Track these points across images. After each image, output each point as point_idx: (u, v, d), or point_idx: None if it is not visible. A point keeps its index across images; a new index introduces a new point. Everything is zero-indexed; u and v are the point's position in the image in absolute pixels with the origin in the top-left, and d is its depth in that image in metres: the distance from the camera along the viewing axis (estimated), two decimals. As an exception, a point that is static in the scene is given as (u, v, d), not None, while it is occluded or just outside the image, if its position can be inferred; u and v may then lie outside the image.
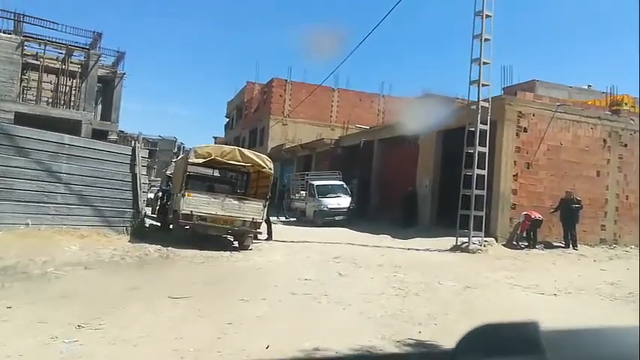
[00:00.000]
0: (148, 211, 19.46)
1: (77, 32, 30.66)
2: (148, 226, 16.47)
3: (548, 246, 16.68)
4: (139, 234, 13.81)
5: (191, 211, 12.97)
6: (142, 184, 14.39)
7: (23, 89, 34.91)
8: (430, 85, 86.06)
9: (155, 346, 5.10)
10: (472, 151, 15.29)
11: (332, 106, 43.96)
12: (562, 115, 17.97)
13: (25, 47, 29.95)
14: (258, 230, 13.91)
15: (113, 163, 13.74)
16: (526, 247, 16.34)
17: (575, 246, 16.62)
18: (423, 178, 21.41)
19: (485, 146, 15.45)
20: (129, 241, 12.88)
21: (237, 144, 41.86)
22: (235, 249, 13.58)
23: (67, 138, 12.86)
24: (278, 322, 6.27)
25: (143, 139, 66.21)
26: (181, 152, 54.01)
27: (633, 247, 17.21)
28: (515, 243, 16.54)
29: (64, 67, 30.74)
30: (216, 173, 18.61)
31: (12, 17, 28.98)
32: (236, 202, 13.57)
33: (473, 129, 15.38)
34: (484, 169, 15.41)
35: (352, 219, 22.94)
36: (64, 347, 4.76)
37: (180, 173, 14.72)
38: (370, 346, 5.31)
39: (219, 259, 11.85)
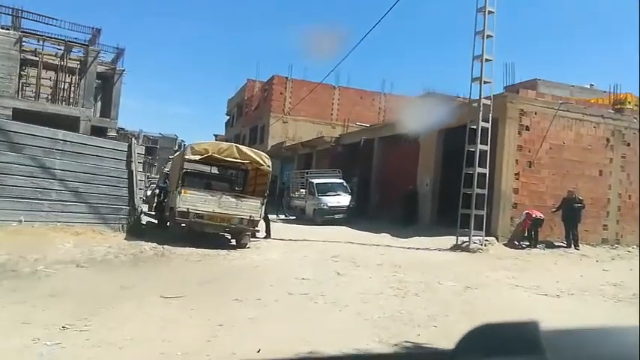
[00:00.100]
0: (145, 208, 19.27)
1: (76, 28, 30.50)
2: (145, 223, 16.30)
3: (550, 246, 16.49)
4: (135, 231, 13.61)
5: (187, 209, 12.78)
6: (139, 181, 14.19)
7: (22, 85, 34.74)
8: (432, 83, 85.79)
9: (141, 349, 4.90)
10: (473, 150, 15.10)
11: (333, 103, 43.79)
12: (564, 114, 17.75)
13: (24, 43, 29.78)
14: (255, 228, 13.71)
15: (109, 159, 13.54)
16: (527, 246, 16.14)
17: (577, 246, 16.43)
18: (424, 177, 21.22)
19: (487, 144, 15.27)
20: (124, 239, 12.69)
21: (238, 142, 41.51)
22: (232, 247, 13.39)
23: (61, 133, 12.65)
24: (272, 324, 6.06)
25: (144, 136, 66.25)
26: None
27: (635, 247, 16.99)
28: (517, 243, 16.34)
29: (62, 63, 30.55)
30: (215, 170, 18.38)
31: (10, 13, 28.78)
32: (233, 199, 13.37)
33: (474, 127, 15.19)
34: (485, 167, 15.22)
35: (352, 217, 22.78)
36: (44, 350, 4.56)
37: (176, 170, 14.53)
38: (366, 349, 5.11)
39: (215, 258, 11.66)
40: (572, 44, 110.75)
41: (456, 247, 15.16)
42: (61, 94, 32.01)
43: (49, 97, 32.48)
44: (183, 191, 12.91)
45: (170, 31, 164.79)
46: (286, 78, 43.86)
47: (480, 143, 15.07)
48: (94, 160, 13.12)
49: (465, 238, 15.08)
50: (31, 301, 6.33)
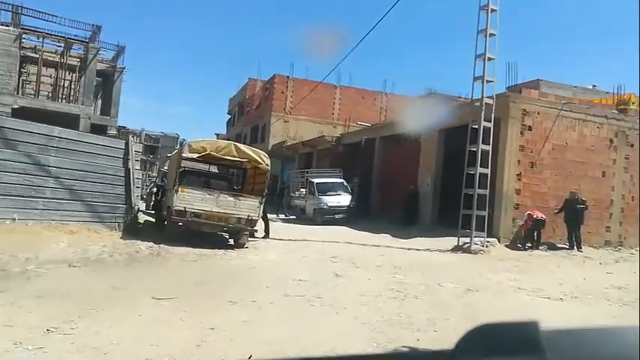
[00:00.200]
0: (143, 206, 19.10)
1: (76, 25, 30.28)
2: (142, 222, 16.12)
3: (552, 247, 16.30)
4: (132, 230, 13.43)
5: (184, 208, 12.59)
6: (136, 179, 14.00)
7: (23, 83, 34.59)
8: (434, 82, 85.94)
9: (127, 354, 4.69)
10: (475, 149, 14.92)
11: (334, 103, 43.61)
12: (567, 114, 17.55)
13: (24, 40, 29.62)
14: (253, 228, 13.51)
15: (105, 157, 13.35)
16: (529, 248, 15.94)
17: (579, 248, 16.23)
18: (425, 177, 21.04)
19: (489, 144, 15.08)
20: (120, 238, 12.51)
21: (239, 141, 41.33)
22: (230, 247, 13.21)
23: (56, 130, 12.45)
24: (265, 328, 5.85)
25: (146, 135, 66.15)
26: (183, 149, 53.64)
27: (638, 249, 16.77)
28: (519, 244, 16.13)
29: (62, 60, 30.39)
30: (214, 169, 18.19)
31: (10, 9, 28.59)
32: (231, 198, 13.18)
33: (476, 126, 15.00)
34: (487, 167, 15.04)
35: (352, 217, 22.62)
36: (25, 355, 4.36)
37: (174, 168, 14.34)
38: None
39: (212, 258, 11.46)
40: (574, 44, 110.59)
41: (457, 248, 14.97)
42: (61, 92, 31.86)
43: (50, 94, 32.33)
44: (180, 190, 12.72)
45: (172, 30, 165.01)
46: (287, 77, 43.70)
47: (482, 143, 14.89)
48: (90, 158, 12.93)
49: (467, 239, 14.88)
50: (17, 302, 6.13)
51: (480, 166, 14.84)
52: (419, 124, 17.62)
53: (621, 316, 7.77)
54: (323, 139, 31.93)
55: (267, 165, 13.76)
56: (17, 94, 29.93)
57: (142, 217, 17.06)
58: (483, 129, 14.90)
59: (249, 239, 13.86)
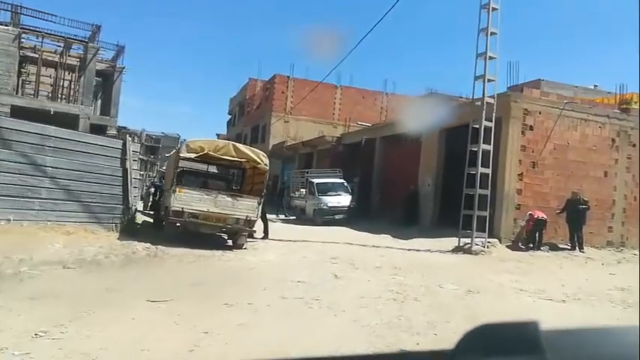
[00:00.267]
0: (141, 207, 18.97)
1: (75, 25, 30.20)
2: (140, 223, 16.01)
3: (554, 248, 16.16)
4: (129, 231, 13.31)
5: (182, 208, 12.45)
6: (133, 179, 13.86)
7: (22, 83, 34.51)
8: (434, 82, 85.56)
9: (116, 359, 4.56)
10: (476, 149, 14.79)
11: (334, 103, 43.50)
12: (569, 113, 17.41)
13: (23, 40, 29.54)
14: (252, 229, 13.37)
15: (103, 156, 13.21)
16: (531, 248, 15.79)
17: (581, 248, 16.09)
18: (426, 177, 20.91)
19: (490, 144, 14.94)
20: (117, 239, 12.38)
21: (239, 141, 41.19)
22: (229, 248, 13.07)
23: (52, 130, 12.30)
24: (260, 331, 5.70)
25: (146, 135, 66.03)
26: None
27: (639, 250, 16.59)
28: (522, 245, 15.98)
29: (62, 60, 30.28)
30: (213, 169, 18.05)
31: (9, 9, 28.49)
32: (229, 198, 13.03)
33: (477, 126, 14.87)
34: (488, 167, 14.91)
35: (353, 218, 22.51)
36: (10, 361, 4.23)
37: (171, 168, 14.21)
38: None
39: (210, 259, 11.33)
40: (575, 44, 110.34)
41: (457, 249, 14.83)
42: (61, 92, 31.76)
43: (50, 94, 32.23)
44: (177, 190, 12.58)
45: (172, 30, 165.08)
46: (288, 77, 43.60)
47: (483, 143, 14.77)
48: (86, 158, 12.79)
49: (467, 240, 14.75)
50: (7, 304, 5.99)
51: (481, 166, 14.72)
52: (419, 124, 17.52)
53: (625, 319, 7.63)
54: (323, 139, 31.81)
55: (265, 165, 13.61)
56: (17, 94, 29.84)
57: (140, 218, 16.95)
58: (484, 129, 14.78)
59: (248, 240, 13.73)
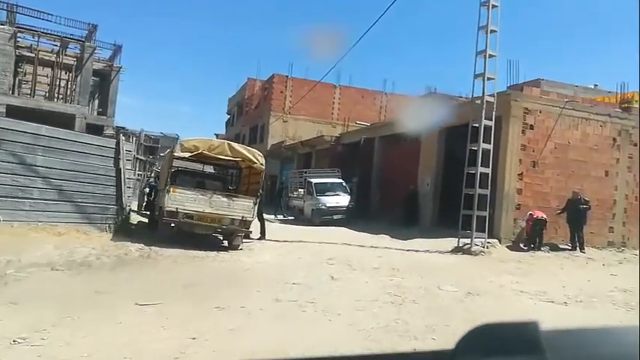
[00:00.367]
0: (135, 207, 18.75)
1: (72, 24, 29.98)
2: (136, 223, 15.80)
3: (554, 248, 15.95)
4: (123, 231, 13.09)
5: (176, 208, 12.22)
6: (127, 179, 13.64)
7: (20, 82, 34.33)
8: (434, 82, 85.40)
9: (97, 368, 4.34)
10: (476, 148, 14.59)
11: (333, 103, 43.31)
12: (570, 112, 17.21)
13: (19, 39, 29.32)
14: (248, 229, 13.14)
15: (96, 156, 12.99)
16: (531, 248, 15.58)
17: (582, 248, 15.89)
18: (425, 177, 20.71)
19: (490, 143, 14.74)
20: (111, 240, 12.15)
21: (238, 141, 41.00)
22: (224, 248, 12.85)
23: (44, 129, 12.07)
24: (251, 337, 5.48)
25: (145, 135, 65.79)
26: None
27: (638, 250, 16.37)
28: (523, 246, 15.77)
29: (58, 59, 30.07)
30: (210, 169, 17.84)
31: (5, 8, 28.29)
32: (225, 199, 12.80)
33: (477, 125, 14.67)
34: (488, 167, 14.71)
35: (351, 218, 22.30)
36: (-18, 370, 4.02)
37: (166, 168, 13.99)
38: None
39: (204, 260, 11.11)
40: (575, 44, 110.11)
41: (457, 250, 14.63)
42: (58, 92, 31.55)
43: (47, 94, 32.03)
44: (171, 190, 12.36)
45: (172, 30, 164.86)
46: (286, 77, 43.40)
47: (483, 142, 14.57)
48: (79, 157, 12.56)
49: (467, 240, 14.54)
50: (-11, 309, 5.78)
51: (481, 166, 14.52)
52: (419, 124, 17.32)
53: (628, 322, 7.41)
54: (322, 139, 31.59)
55: (261, 164, 13.39)
56: (13, 93, 29.63)
57: (136, 218, 16.74)
58: (484, 128, 14.59)
59: (245, 241, 13.51)
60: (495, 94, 14.96)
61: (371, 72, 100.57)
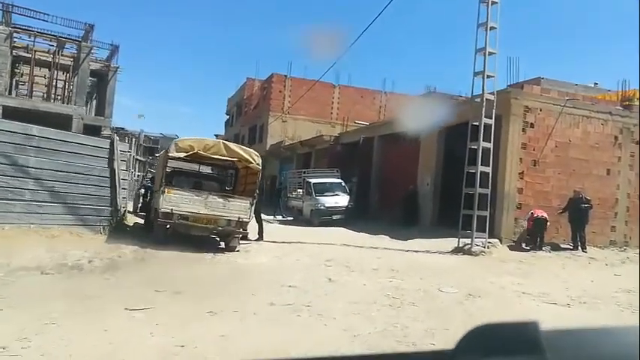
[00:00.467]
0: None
1: (68, 24, 29.75)
2: (132, 224, 15.60)
3: (556, 248, 15.76)
4: (118, 233, 12.89)
5: (171, 209, 11.99)
6: (122, 180, 13.42)
7: (17, 83, 34.11)
8: (434, 82, 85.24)
9: (76, 380, 4.12)
10: (476, 147, 14.39)
11: (333, 102, 43.12)
12: (571, 110, 17.01)
13: (15, 39, 29.08)
14: (245, 230, 12.93)
15: (89, 157, 12.76)
16: (532, 248, 15.37)
17: (584, 248, 15.69)
18: (425, 176, 20.51)
19: (490, 142, 14.54)
20: (105, 242, 11.95)
21: (237, 141, 40.84)
22: (220, 250, 12.65)
23: (35, 129, 11.83)
24: (242, 344, 5.26)
25: (145, 136, 65.56)
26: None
27: (638, 250, 16.15)
28: (526, 246, 15.56)
29: (55, 60, 29.83)
30: (208, 170, 17.61)
31: (0, 8, 28.06)
32: (220, 199, 12.58)
33: (477, 123, 14.46)
34: (488, 166, 14.51)
35: (351, 218, 22.12)
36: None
37: (160, 168, 13.77)
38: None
39: (199, 262, 10.89)
40: (574, 44, 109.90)
41: (457, 250, 14.43)
42: (55, 92, 31.33)
43: (45, 95, 31.80)
44: (166, 191, 12.13)
45: (172, 30, 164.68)
46: (285, 76, 43.20)
47: (483, 141, 14.37)
48: (72, 158, 12.33)
49: (467, 240, 14.34)
50: (-30, 315, 5.56)
51: (481, 165, 14.34)
52: (419, 123, 17.13)
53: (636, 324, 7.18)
54: (321, 139, 31.41)
55: (258, 164, 13.16)
56: (10, 94, 29.41)
57: (132, 220, 16.54)
58: (484, 126, 14.39)
59: (242, 242, 13.31)
60: (495, 92, 14.77)
61: (370, 71, 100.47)
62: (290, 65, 52.49)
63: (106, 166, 13.03)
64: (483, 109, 14.29)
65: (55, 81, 30.66)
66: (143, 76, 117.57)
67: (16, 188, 11.40)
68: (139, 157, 57.16)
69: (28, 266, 8.52)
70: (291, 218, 25.24)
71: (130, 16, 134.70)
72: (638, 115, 17.98)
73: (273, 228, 18.80)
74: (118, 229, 13.17)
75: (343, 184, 24.31)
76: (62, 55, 30.34)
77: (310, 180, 24.37)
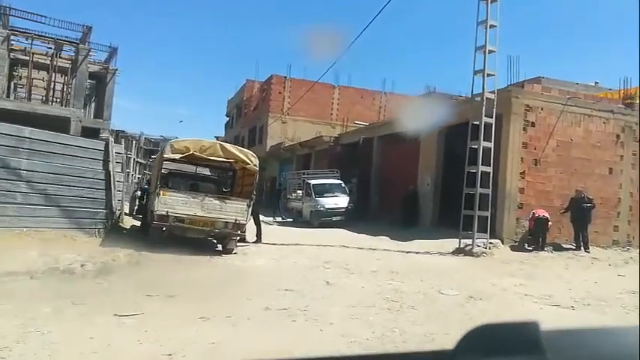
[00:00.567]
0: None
1: (66, 26, 29.46)
2: (128, 227, 15.42)
3: (558, 248, 15.56)
4: (114, 236, 12.68)
5: (167, 212, 11.79)
6: (117, 182, 13.22)
7: (15, 86, 33.93)
8: (434, 82, 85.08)
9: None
10: (476, 147, 14.20)
11: (332, 103, 42.97)
12: (572, 109, 16.83)
13: (13, 42, 28.87)
14: (242, 232, 12.73)
15: (84, 159, 12.56)
16: (534, 249, 15.17)
17: (586, 248, 15.49)
18: (425, 176, 20.33)
19: (491, 141, 14.34)
20: (99, 245, 11.75)
21: (237, 143, 40.69)
22: (217, 253, 12.47)
23: (27, 131, 11.62)
24: (234, 352, 5.06)
25: (145, 139, 65.43)
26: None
27: (639, 250, 15.93)
28: (529, 247, 15.36)
29: (54, 62, 29.65)
30: (205, 171, 17.42)
31: (-3, 10, 27.85)
32: (217, 201, 12.37)
33: (477, 123, 14.26)
34: (489, 165, 14.31)
35: (350, 219, 21.98)
36: None
37: (156, 170, 13.57)
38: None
39: (195, 265, 10.70)
40: (574, 42, 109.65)
41: (458, 251, 14.23)
42: (54, 95, 31.14)
43: (43, 97, 31.61)
44: (162, 193, 11.93)
45: (171, 31, 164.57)
46: (285, 77, 43.04)
47: (484, 140, 14.18)
48: (66, 160, 12.12)
49: (468, 241, 14.15)
50: (-49, 323, 5.36)
51: (482, 164, 14.16)
52: (418, 123, 16.98)
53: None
54: (321, 140, 31.25)
55: (255, 165, 12.96)
56: (8, 97, 29.21)
57: (129, 222, 16.35)
58: (485, 125, 14.20)
59: (240, 244, 13.12)
60: (496, 91, 14.59)
61: (370, 72, 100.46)
62: (289, 67, 52.22)
63: (101, 168, 12.83)
64: (484, 108, 14.10)
65: (53, 83, 30.44)
66: (142, 77, 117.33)
67: (8, 191, 11.20)
68: (139, 160, 57.05)
69: (18, 271, 8.30)
70: (291, 219, 25.09)
71: (129, 16, 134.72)
72: (639, 113, 17.79)
73: (273, 230, 18.65)
74: (113, 232, 12.99)
75: (343, 185, 24.17)
76: (60, 57, 30.15)
77: (310, 181, 24.23)
